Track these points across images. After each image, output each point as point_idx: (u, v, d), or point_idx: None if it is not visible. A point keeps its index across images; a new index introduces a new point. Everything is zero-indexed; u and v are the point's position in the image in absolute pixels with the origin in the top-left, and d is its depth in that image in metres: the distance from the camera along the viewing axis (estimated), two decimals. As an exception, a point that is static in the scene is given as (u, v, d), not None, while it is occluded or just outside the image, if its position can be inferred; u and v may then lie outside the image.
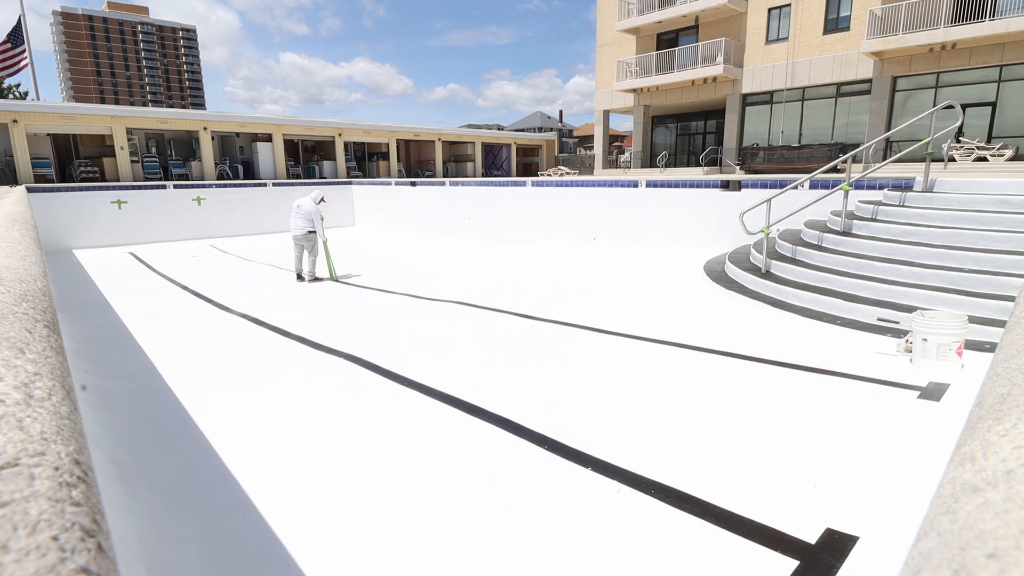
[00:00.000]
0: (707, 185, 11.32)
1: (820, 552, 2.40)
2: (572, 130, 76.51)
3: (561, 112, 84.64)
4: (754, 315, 6.35)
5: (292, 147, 23.54)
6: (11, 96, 32.72)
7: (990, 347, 4.81)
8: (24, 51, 19.63)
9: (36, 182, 15.93)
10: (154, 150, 20.31)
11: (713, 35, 21.96)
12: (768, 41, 20.74)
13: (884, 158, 15.85)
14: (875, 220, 7.52)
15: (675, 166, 25.08)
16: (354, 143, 25.01)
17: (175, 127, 18.96)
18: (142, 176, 18.43)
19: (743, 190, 10.63)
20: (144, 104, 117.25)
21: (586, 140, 67.48)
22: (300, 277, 9.39)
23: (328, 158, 23.33)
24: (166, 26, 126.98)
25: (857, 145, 17.19)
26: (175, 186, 16.62)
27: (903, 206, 7.50)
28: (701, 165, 22.36)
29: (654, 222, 11.99)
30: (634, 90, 24.28)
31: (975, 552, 0.47)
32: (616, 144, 36.64)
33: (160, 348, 5.59)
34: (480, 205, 15.83)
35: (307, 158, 24.22)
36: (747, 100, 21.89)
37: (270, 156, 20.87)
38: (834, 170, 9.56)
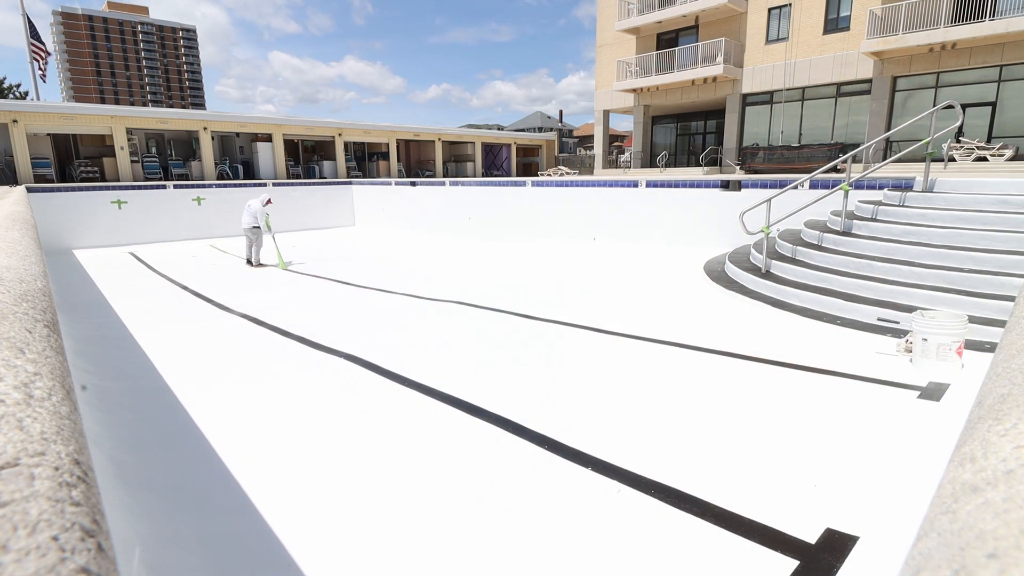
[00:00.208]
0: (707, 185, 11.32)
1: (820, 552, 2.40)
2: (572, 130, 76.52)
3: (561, 112, 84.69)
4: (754, 315, 6.35)
5: (292, 147, 23.54)
6: (11, 96, 32.73)
7: (990, 347, 4.81)
8: (42, 44, 19.94)
9: (36, 182, 15.93)
10: (154, 150, 20.31)
11: (713, 35, 21.96)
12: (768, 41, 20.74)
13: (884, 158, 15.84)
14: (875, 220, 7.52)
15: (675, 166, 25.08)
16: (354, 143, 25.01)
17: (175, 127, 18.97)
18: (142, 176, 18.43)
19: (743, 190, 10.63)
20: (144, 104, 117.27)
21: (586, 140, 67.49)
22: (249, 262, 11.24)
23: (328, 158, 23.32)
24: (166, 26, 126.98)
25: (857, 145, 17.19)
26: (175, 186, 16.62)
27: (903, 206, 7.50)
28: (701, 165, 22.36)
29: (654, 222, 11.99)
30: (634, 90, 24.28)
31: (975, 552, 0.47)
32: (616, 144, 36.63)
33: (160, 348, 5.59)
34: (480, 205, 15.83)
35: (307, 158, 24.22)
36: (747, 100, 21.89)
37: (270, 156, 20.87)
38: (834, 170, 9.57)
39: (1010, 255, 5.84)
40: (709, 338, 5.49)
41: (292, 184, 19.32)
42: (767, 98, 21.31)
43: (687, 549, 2.46)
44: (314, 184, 19.93)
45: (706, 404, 4.01)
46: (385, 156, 24.95)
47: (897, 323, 5.56)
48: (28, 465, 0.60)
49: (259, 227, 10.96)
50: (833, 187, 8.30)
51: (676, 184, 11.83)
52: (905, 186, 8.11)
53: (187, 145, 21.02)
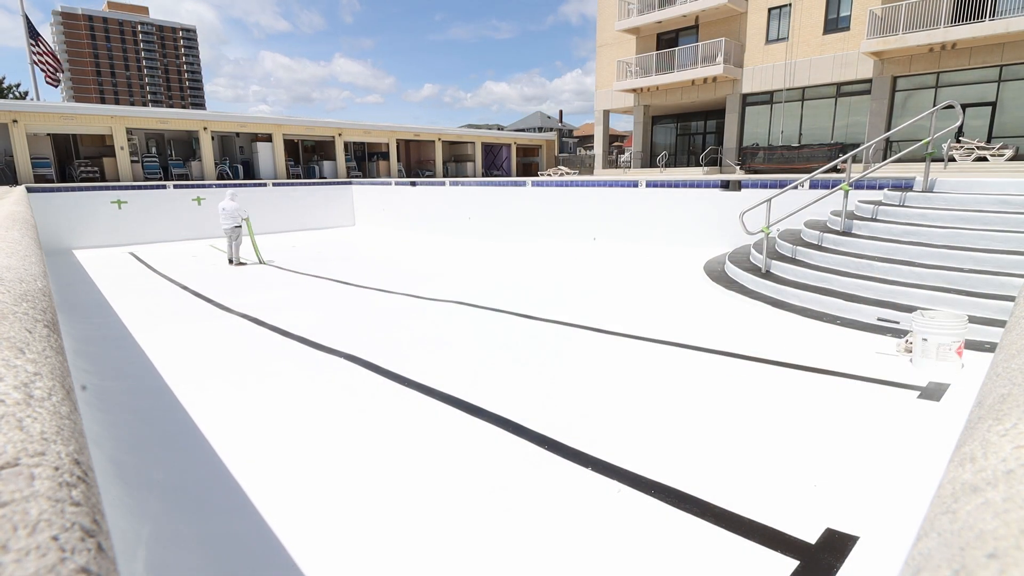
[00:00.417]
0: (707, 185, 11.32)
1: (820, 552, 2.40)
2: (572, 130, 76.51)
3: (561, 112, 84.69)
4: (754, 315, 6.35)
5: (292, 147, 23.54)
6: (11, 96, 32.73)
7: (990, 347, 4.81)
8: (50, 50, 20.01)
9: (36, 182, 15.93)
10: (154, 150, 20.32)
11: (713, 35, 21.96)
12: (768, 41, 20.74)
13: (884, 158, 15.84)
14: (875, 220, 7.52)
15: (675, 166, 25.08)
16: (354, 143, 25.01)
17: (175, 127, 18.97)
18: (142, 176, 18.43)
19: (743, 190, 10.63)
20: (144, 104, 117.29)
21: (586, 140, 67.48)
22: (231, 261, 11.59)
23: (328, 158, 23.33)
24: (166, 26, 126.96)
25: (857, 145, 17.19)
26: (175, 186, 16.62)
27: (903, 206, 7.50)
28: (701, 165, 22.36)
29: (654, 222, 11.99)
30: (634, 90, 24.28)
31: (975, 552, 0.47)
32: (616, 144, 36.63)
33: (160, 348, 5.59)
34: (480, 205, 15.83)
35: (307, 158, 24.22)
36: (747, 100, 21.89)
37: (270, 156, 20.87)
38: (834, 170, 9.57)
39: (1010, 255, 5.84)
40: (709, 338, 5.49)
41: (292, 184, 19.32)
42: (767, 98, 21.31)
43: (687, 549, 2.46)
44: (314, 184, 19.93)
45: (706, 404, 4.01)
46: (385, 156, 24.95)
47: (897, 323, 5.56)
48: (28, 465, 0.60)
49: (239, 226, 11.46)
50: (833, 187, 8.30)
51: (676, 184, 11.83)
52: (905, 186, 8.11)
53: (187, 145, 21.02)
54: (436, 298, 7.74)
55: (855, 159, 9.26)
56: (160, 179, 18.54)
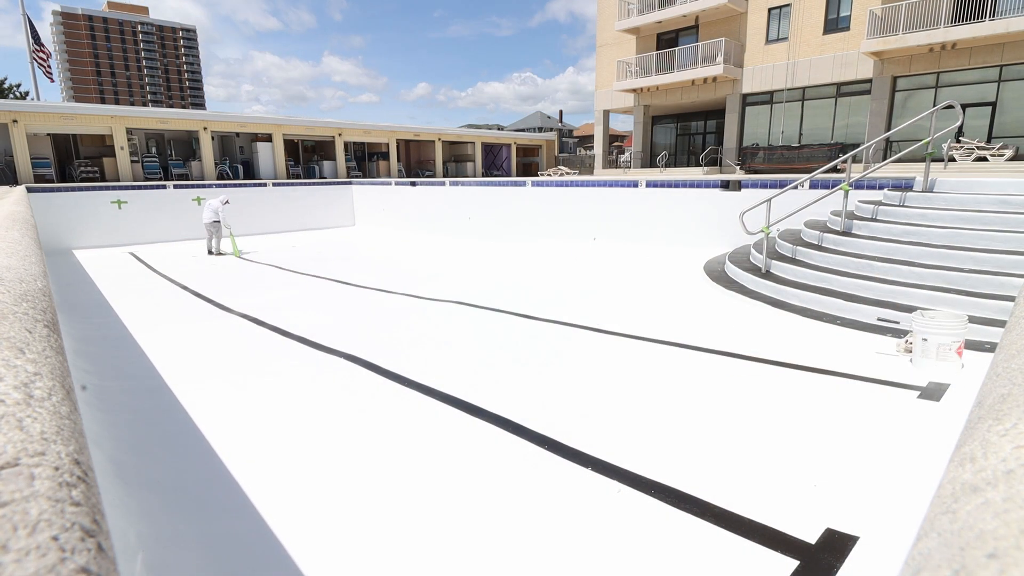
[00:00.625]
0: (707, 185, 11.32)
1: (820, 552, 2.40)
2: (572, 130, 76.53)
3: (561, 112, 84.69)
4: (754, 315, 6.35)
5: (292, 147, 23.54)
6: (11, 96, 32.74)
7: (990, 347, 4.81)
8: (44, 47, 20.03)
9: (36, 182, 15.93)
10: (154, 150, 20.32)
11: (713, 35, 21.96)
12: (768, 41, 20.74)
13: (884, 158, 15.85)
14: (875, 220, 7.52)
15: (675, 166, 25.08)
16: (354, 143, 25.01)
17: (175, 127, 18.97)
18: (142, 176, 18.43)
19: (743, 190, 10.63)
20: (144, 104, 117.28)
21: (586, 140, 67.47)
22: (210, 252, 13.03)
23: (328, 158, 23.33)
24: (166, 26, 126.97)
25: (857, 145, 17.20)
26: (175, 186, 16.62)
27: (903, 206, 7.50)
28: (701, 165, 22.36)
29: (654, 222, 11.99)
30: (634, 90, 24.28)
31: (975, 552, 0.47)
32: (616, 144, 36.63)
33: (160, 348, 5.59)
34: (480, 205, 15.83)
35: (307, 158, 24.23)
36: (747, 100, 21.89)
37: (270, 156, 20.87)
38: (834, 170, 9.57)
39: (1010, 255, 5.84)
40: (709, 338, 5.49)
41: (292, 184, 19.32)
42: (767, 98, 21.31)
43: (687, 549, 2.46)
44: (314, 184, 19.93)
45: (706, 404, 4.01)
46: (385, 156, 24.95)
47: (897, 323, 5.56)
48: (28, 465, 0.60)
49: (219, 221, 12.91)
50: (833, 187, 8.30)
51: (676, 184, 11.83)
52: (905, 186, 8.11)
53: (187, 145, 21.02)
54: (436, 298, 7.74)
55: (855, 159, 9.26)
56: (160, 179, 18.54)
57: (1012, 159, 14.94)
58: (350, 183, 20.46)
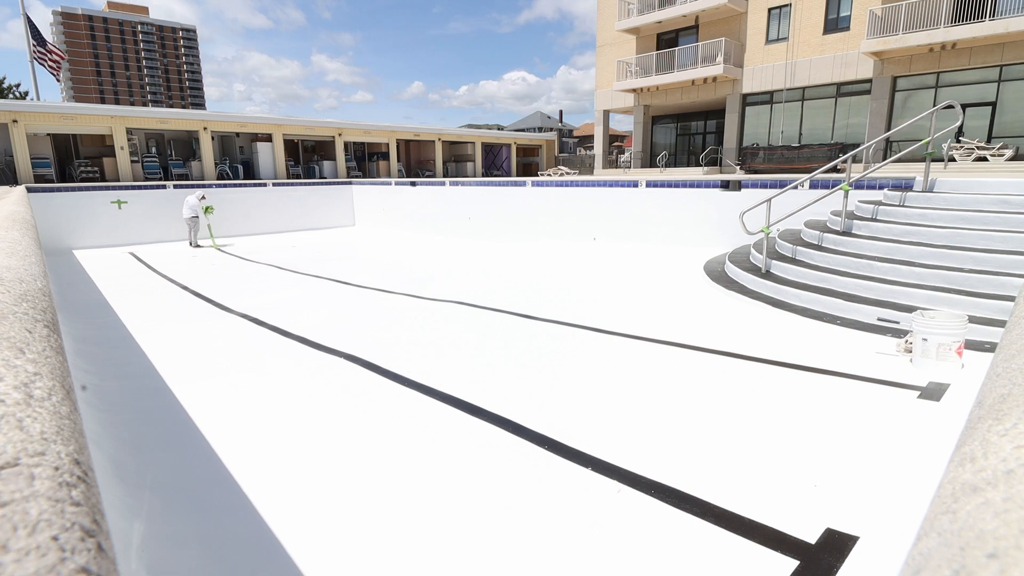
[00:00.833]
0: (707, 185, 11.32)
1: (820, 552, 2.40)
2: (572, 130, 76.55)
3: (561, 112, 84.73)
4: (754, 315, 6.35)
5: (292, 147, 23.54)
6: (11, 96, 32.73)
7: (990, 347, 4.81)
8: (47, 46, 20.03)
9: (36, 182, 15.92)
10: (154, 150, 20.31)
11: (713, 35, 21.97)
12: (768, 41, 20.74)
13: (884, 158, 15.85)
14: (875, 220, 7.52)
15: (675, 166, 25.08)
16: (354, 143, 25.01)
17: (175, 127, 18.96)
18: (142, 176, 18.42)
19: (743, 190, 10.63)
20: (144, 104, 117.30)
21: (586, 140, 67.48)
22: (190, 244, 14.62)
23: (328, 158, 23.32)
24: (166, 26, 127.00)
25: (857, 145, 17.20)
26: (175, 186, 16.61)
27: (903, 206, 7.50)
28: (701, 165, 22.36)
29: (654, 222, 11.99)
30: (634, 90, 24.28)
31: (975, 552, 0.47)
32: (616, 144, 36.62)
33: (160, 348, 5.59)
34: (480, 205, 15.83)
35: (307, 158, 24.22)
36: (747, 100, 21.89)
37: (270, 156, 20.87)
38: (834, 170, 9.57)
39: (1010, 255, 5.84)
40: (709, 338, 5.49)
41: (292, 184, 19.31)
42: (767, 98, 21.31)
43: (687, 549, 2.46)
44: (314, 184, 19.92)
45: (706, 404, 4.01)
46: (385, 156, 24.94)
47: (897, 323, 5.56)
48: (28, 465, 0.60)
49: (197, 217, 14.41)
50: (833, 187, 8.30)
51: (676, 184, 11.83)
52: (905, 186, 8.11)
53: (187, 145, 21.02)
54: (436, 298, 7.74)
55: (855, 159, 9.26)
56: (160, 179, 18.53)
57: (1012, 159, 14.94)
58: (350, 183, 20.46)
